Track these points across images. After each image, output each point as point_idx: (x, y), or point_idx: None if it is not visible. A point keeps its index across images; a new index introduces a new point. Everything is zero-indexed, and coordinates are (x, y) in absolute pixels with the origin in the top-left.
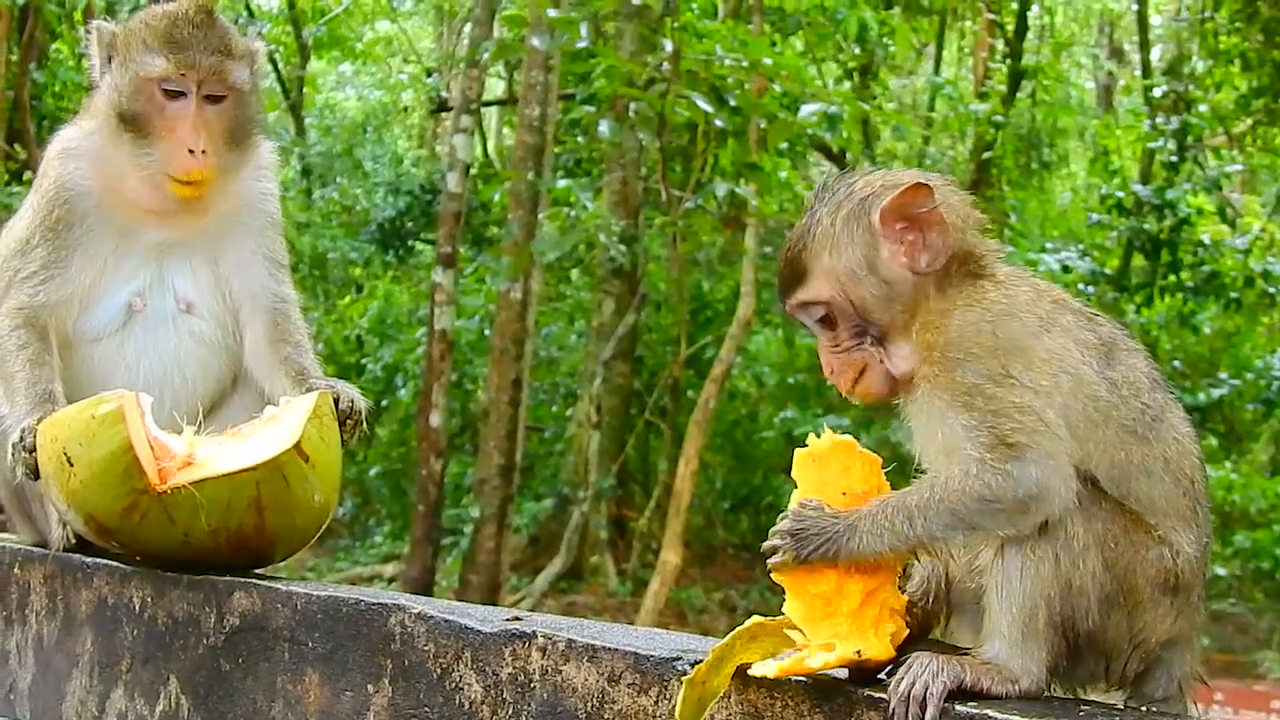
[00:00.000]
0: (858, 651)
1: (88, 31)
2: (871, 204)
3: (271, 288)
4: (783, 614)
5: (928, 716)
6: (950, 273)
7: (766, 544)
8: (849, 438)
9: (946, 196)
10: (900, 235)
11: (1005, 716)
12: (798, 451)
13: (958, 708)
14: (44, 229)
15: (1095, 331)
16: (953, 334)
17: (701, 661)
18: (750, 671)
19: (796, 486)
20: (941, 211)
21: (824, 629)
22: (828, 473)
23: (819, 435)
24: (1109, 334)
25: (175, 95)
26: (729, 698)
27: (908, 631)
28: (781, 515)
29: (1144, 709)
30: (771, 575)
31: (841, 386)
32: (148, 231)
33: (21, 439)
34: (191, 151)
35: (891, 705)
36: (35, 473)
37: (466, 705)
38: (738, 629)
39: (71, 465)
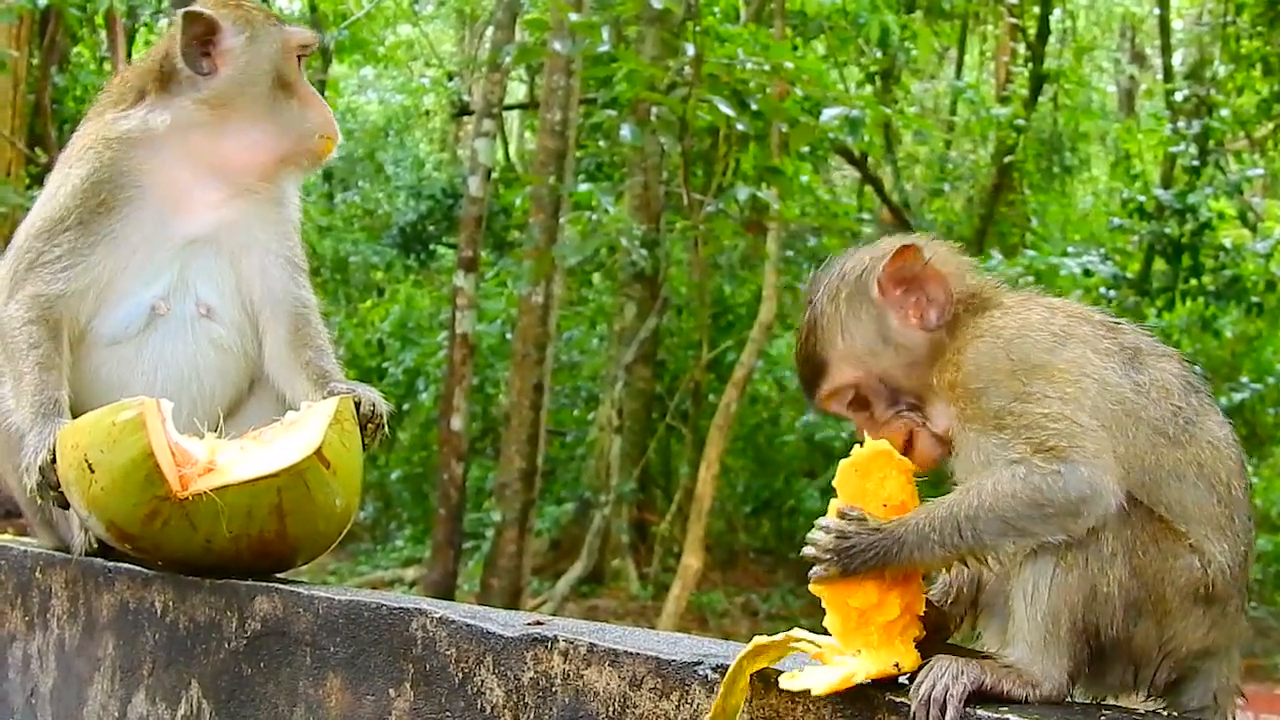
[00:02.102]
0: (896, 665)
1: (172, 21)
2: (867, 278)
3: (293, 291)
4: (780, 635)
5: (947, 718)
6: (959, 315)
7: (808, 551)
8: (886, 444)
9: (935, 250)
10: (902, 300)
11: None
12: (842, 463)
13: (979, 711)
14: (82, 210)
15: (1117, 339)
16: (969, 366)
17: (722, 666)
18: (788, 686)
19: (836, 495)
20: (934, 265)
21: (856, 639)
22: (868, 483)
23: (861, 444)
24: (1132, 340)
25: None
26: (750, 702)
27: (924, 633)
28: (819, 524)
29: (1166, 714)
30: (811, 589)
31: None
32: (181, 222)
33: (44, 477)
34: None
35: (913, 709)
36: (62, 503)
37: (488, 710)
38: (741, 654)
39: (92, 472)
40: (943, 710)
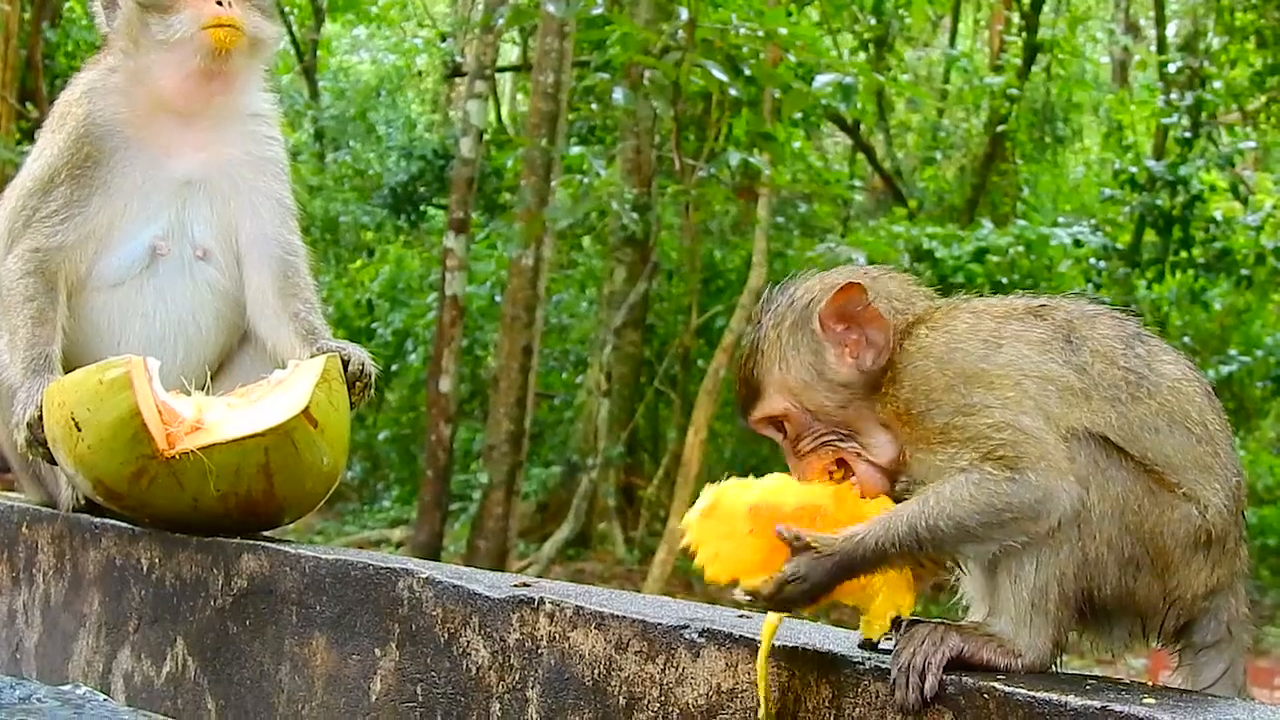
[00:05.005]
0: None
1: None
2: (812, 310)
3: (283, 235)
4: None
5: (927, 685)
6: (904, 335)
7: (751, 594)
8: (701, 506)
9: (882, 285)
10: (843, 336)
11: (1010, 689)
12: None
13: (965, 680)
14: (70, 166)
15: (1048, 321)
16: (906, 392)
17: (707, 630)
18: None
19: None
20: (877, 307)
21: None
22: (720, 522)
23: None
24: (1062, 316)
25: None
26: (735, 668)
27: None
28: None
29: (1153, 686)
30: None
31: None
32: (172, 164)
33: (31, 433)
34: (219, 3)
35: (893, 675)
36: (51, 460)
37: (473, 670)
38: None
39: (79, 430)
40: (922, 677)
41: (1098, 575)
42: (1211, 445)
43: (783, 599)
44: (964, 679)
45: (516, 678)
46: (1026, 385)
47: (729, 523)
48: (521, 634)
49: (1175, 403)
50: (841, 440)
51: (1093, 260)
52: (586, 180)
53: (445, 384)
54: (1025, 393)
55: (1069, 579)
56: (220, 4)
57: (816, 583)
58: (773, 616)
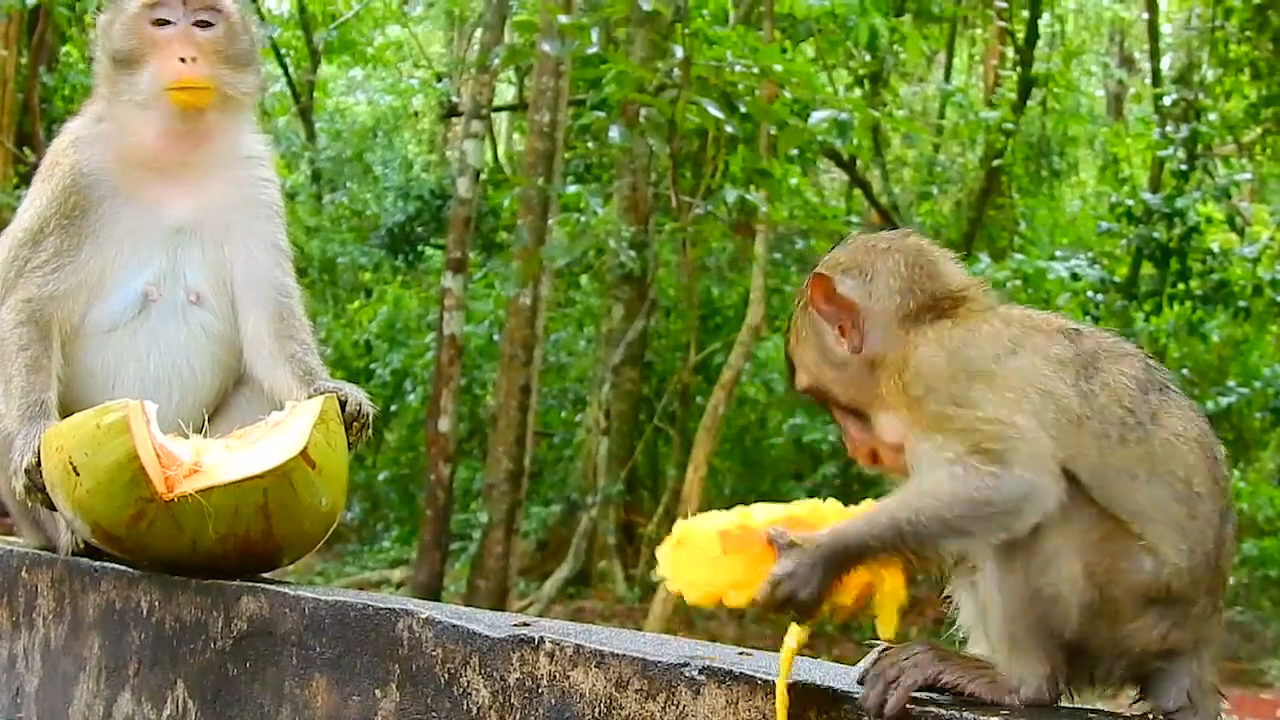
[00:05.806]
0: None
1: (91, 35)
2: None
3: (277, 277)
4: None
5: (888, 707)
6: (919, 320)
7: (763, 595)
8: (671, 540)
9: (882, 263)
10: (836, 317)
11: None
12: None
13: (964, 714)
14: (58, 216)
15: (1075, 345)
16: (909, 375)
17: (708, 668)
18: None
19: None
20: (846, 295)
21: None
22: (691, 550)
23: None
24: (1092, 345)
25: (164, 24)
26: (736, 705)
27: None
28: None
29: (1149, 717)
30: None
31: (863, 465)
32: (163, 211)
33: (29, 479)
34: (183, 60)
35: (867, 679)
36: (49, 505)
37: (474, 711)
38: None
39: (77, 474)
40: (889, 689)
41: (1056, 613)
42: (1190, 506)
43: (778, 600)
44: (964, 713)
45: (517, 717)
46: (1030, 393)
47: (701, 548)
48: (522, 673)
49: (1163, 454)
50: (859, 420)
51: (1090, 293)
52: (583, 218)
53: (444, 424)
54: (1026, 397)
55: (1028, 611)
56: (184, 60)
57: (806, 579)
58: (791, 641)
